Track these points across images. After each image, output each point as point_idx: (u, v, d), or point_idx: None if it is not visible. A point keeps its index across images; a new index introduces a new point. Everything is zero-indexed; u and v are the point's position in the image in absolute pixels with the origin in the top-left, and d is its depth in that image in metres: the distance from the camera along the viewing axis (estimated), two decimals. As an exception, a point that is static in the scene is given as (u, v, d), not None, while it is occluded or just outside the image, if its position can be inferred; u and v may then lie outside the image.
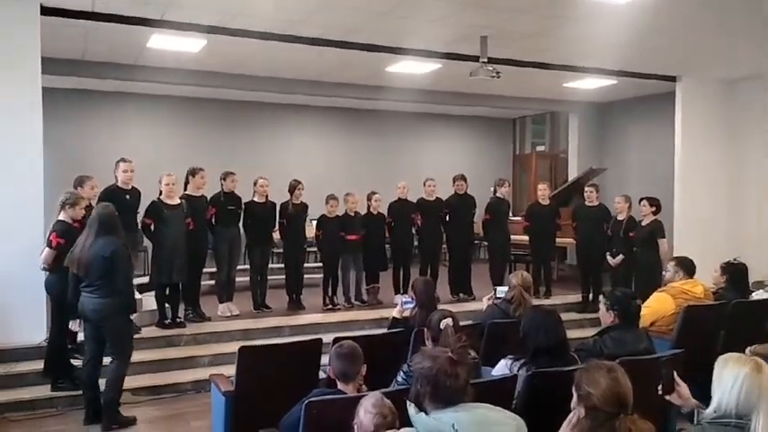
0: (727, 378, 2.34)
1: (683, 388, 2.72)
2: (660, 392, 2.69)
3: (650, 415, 2.48)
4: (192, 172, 7.02)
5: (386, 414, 2.35)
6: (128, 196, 6.26)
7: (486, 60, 7.02)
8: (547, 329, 3.25)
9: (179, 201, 6.69)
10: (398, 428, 2.30)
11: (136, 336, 6.20)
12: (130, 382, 5.55)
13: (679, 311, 5.02)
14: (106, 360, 4.97)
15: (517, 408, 2.92)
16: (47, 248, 5.17)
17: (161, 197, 6.61)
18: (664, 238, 7.54)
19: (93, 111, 10.72)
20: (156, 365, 6.01)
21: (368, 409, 2.34)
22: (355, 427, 2.37)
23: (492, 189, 8.80)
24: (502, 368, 3.29)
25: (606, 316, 3.73)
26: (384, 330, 4.70)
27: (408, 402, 2.22)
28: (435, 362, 2.17)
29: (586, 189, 8.45)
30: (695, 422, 2.50)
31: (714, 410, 2.34)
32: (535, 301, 4.91)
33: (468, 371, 2.20)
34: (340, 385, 2.92)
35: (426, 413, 2.16)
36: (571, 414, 2.25)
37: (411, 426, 2.20)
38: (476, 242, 9.88)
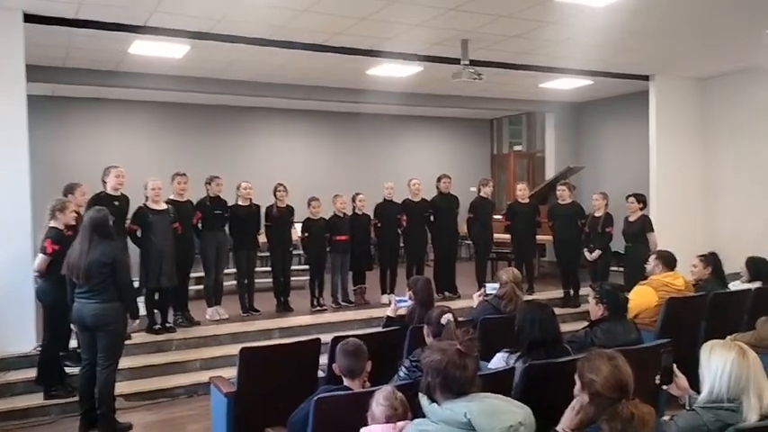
0: (716, 364, 2.48)
1: (682, 379, 2.81)
2: (658, 383, 2.80)
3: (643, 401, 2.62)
4: (172, 177, 7.07)
5: (396, 406, 2.47)
6: (116, 202, 6.25)
7: (467, 63, 7.15)
8: (542, 323, 3.35)
9: (165, 206, 6.71)
10: (411, 420, 2.40)
11: (127, 342, 6.24)
12: (124, 387, 5.61)
13: (661, 304, 5.20)
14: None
15: (515, 398, 3.03)
16: (41, 255, 5.16)
17: (147, 203, 6.62)
18: (653, 231, 7.75)
19: (73, 117, 10.62)
20: (148, 371, 6.03)
21: (380, 402, 2.45)
22: (369, 418, 2.48)
23: (475, 188, 8.95)
24: (498, 361, 3.40)
25: (596, 309, 3.87)
26: (378, 329, 4.79)
27: (420, 394, 2.32)
28: (445, 355, 2.28)
29: (558, 187, 8.62)
30: (687, 407, 2.62)
31: (707, 395, 2.47)
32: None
33: (476, 362, 2.31)
34: (346, 381, 3.01)
35: (438, 404, 2.26)
36: (574, 401, 2.37)
37: (423, 417, 2.30)
38: (459, 241, 10.02)
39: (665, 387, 2.78)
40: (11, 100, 5.83)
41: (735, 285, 6.05)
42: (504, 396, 2.47)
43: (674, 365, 2.82)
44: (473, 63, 7.31)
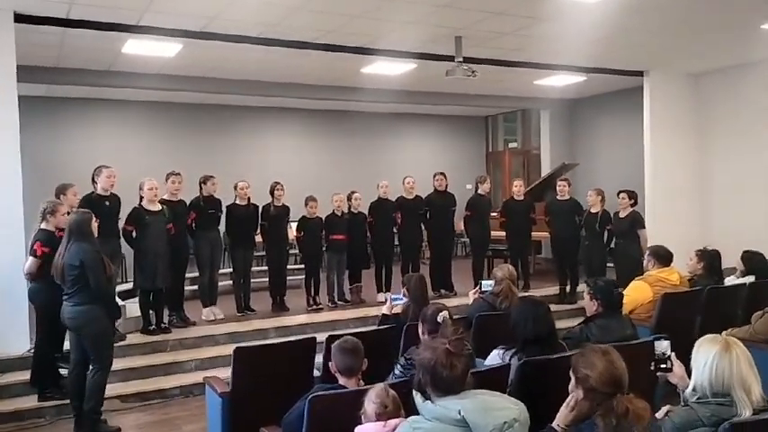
0: (700, 359, 2.49)
1: (679, 367, 2.82)
2: (653, 368, 2.80)
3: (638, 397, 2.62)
4: (166, 177, 7.03)
5: (387, 404, 2.47)
6: (107, 203, 6.21)
7: (461, 60, 7.15)
8: (536, 319, 3.35)
9: (160, 207, 6.67)
10: (405, 417, 2.39)
11: (121, 343, 6.22)
12: (119, 389, 5.60)
13: (656, 299, 5.20)
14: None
15: (511, 395, 3.02)
16: (31, 258, 5.13)
17: (142, 203, 6.58)
18: (644, 228, 7.76)
19: (67, 118, 10.58)
20: (143, 372, 6.00)
21: (372, 399, 2.46)
22: (362, 416, 2.47)
23: (473, 186, 8.94)
24: (494, 358, 3.39)
25: (590, 305, 3.86)
26: (374, 327, 4.78)
27: (414, 391, 2.31)
28: (434, 353, 2.27)
29: (558, 183, 8.62)
30: (683, 403, 2.61)
31: (693, 390, 2.47)
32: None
33: (465, 361, 2.29)
34: (341, 380, 2.99)
35: (432, 401, 2.24)
36: (569, 397, 2.35)
37: (418, 414, 2.29)
38: (455, 238, 10.01)
39: (658, 373, 2.78)
40: (1, 101, 5.78)
41: (730, 280, 6.04)
42: (500, 393, 2.46)
43: (673, 354, 2.81)
44: (467, 60, 7.30)
